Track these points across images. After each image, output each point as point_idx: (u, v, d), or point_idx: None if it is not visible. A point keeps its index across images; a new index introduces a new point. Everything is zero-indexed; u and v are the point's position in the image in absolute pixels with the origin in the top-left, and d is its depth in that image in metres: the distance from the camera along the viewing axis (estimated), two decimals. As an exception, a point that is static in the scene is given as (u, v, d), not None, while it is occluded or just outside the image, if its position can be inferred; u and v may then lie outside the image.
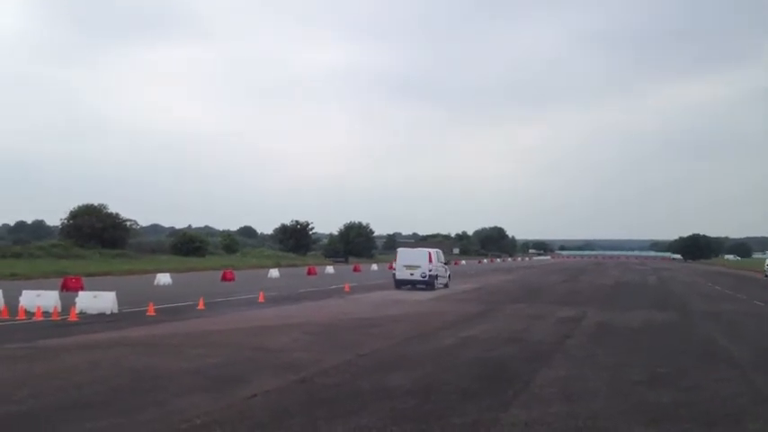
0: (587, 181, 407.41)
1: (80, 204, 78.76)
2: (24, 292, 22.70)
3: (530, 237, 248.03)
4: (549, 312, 25.09)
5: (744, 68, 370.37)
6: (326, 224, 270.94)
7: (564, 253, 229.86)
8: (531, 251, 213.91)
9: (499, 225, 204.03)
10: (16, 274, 40.03)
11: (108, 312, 21.94)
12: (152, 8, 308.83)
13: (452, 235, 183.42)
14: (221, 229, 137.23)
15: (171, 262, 63.47)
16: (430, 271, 36.29)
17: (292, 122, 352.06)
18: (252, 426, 8.50)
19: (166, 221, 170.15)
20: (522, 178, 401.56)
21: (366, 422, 8.71)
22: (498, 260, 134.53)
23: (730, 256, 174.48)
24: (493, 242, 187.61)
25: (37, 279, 38.35)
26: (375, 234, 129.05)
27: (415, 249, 40.81)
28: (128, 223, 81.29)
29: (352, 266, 72.65)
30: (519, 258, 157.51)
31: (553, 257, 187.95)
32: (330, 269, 63.88)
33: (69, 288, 29.55)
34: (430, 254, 37.02)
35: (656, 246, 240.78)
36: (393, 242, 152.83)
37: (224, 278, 43.39)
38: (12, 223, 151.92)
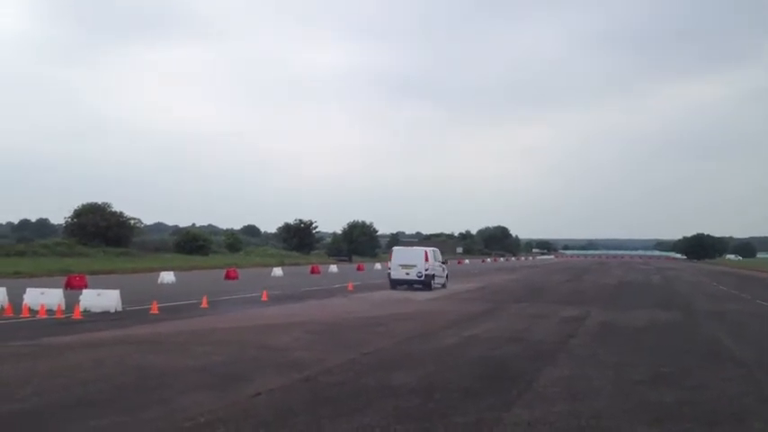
0: (591, 180, 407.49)
1: (84, 203, 78.92)
2: (28, 290, 22.75)
3: (533, 236, 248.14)
4: (552, 312, 25.07)
5: (747, 68, 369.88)
6: (330, 223, 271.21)
7: (567, 252, 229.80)
8: (534, 250, 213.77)
9: (503, 224, 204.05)
10: (20, 273, 40.11)
11: (112, 310, 21.98)
12: (157, 8, 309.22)
13: (456, 234, 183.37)
14: (225, 228, 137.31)
15: (175, 260, 63.50)
16: (426, 270, 35.22)
17: (296, 122, 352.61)
18: (256, 424, 8.51)
19: (170, 220, 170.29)
20: (525, 178, 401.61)
21: (370, 420, 8.72)
22: (502, 259, 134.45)
23: (731, 256, 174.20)
24: (496, 241, 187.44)
25: (41, 277, 38.46)
26: (378, 233, 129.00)
27: (411, 248, 40.07)
28: (132, 222, 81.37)
29: (355, 265, 72.65)
30: (522, 258, 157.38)
31: (557, 257, 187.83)
32: (333, 268, 63.86)
33: (73, 286, 29.59)
34: (426, 253, 36.00)
35: (661, 245, 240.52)
36: (396, 241, 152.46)
37: (227, 277, 43.45)
38: (16, 221, 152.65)
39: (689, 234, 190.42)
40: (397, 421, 8.70)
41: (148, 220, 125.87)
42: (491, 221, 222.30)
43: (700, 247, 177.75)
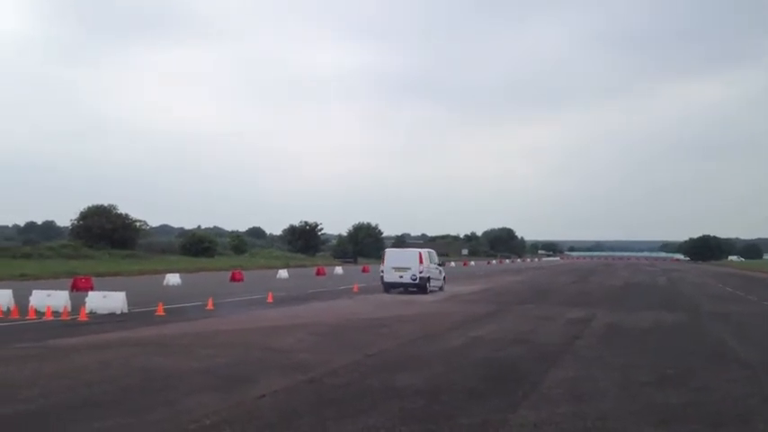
0: (597, 182, 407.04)
1: (90, 205, 79.31)
2: (34, 292, 22.81)
3: (539, 238, 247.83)
4: (558, 313, 25.03)
5: (751, 68, 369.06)
6: (335, 225, 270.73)
7: (573, 254, 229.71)
8: (540, 252, 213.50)
9: (508, 226, 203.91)
10: (26, 275, 40.24)
11: (118, 312, 22.03)
12: (160, 9, 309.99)
13: (461, 236, 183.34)
14: (230, 230, 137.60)
15: (180, 262, 63.68)
16: (421, 273, 33.80)
17: (300, 123, 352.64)
18: (261, 426, 8.52)
19: (176, 222, 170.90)
20: (531, 179, 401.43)
21: (374, 422, 8.72)
22: (507, 261, 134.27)
23: (734, 257, 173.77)
24: (502, 243, 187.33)
25: (47, 279, 38.55)
26: (384, 235, 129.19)
27: (405, 250, 39.04)
28: (137, 224, 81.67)
29: (360, 267, 72.67)
30: (528, 259, 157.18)
31: (563, 258, 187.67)
32: (339, 270, 63.91)
33: (79, 288, 29.68)
34: (420, 254, 34.61)
35: (666, 247, 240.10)
36: (402, 243, 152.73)
37: (233, 279, 43.51)
38: (22, 224, 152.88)
39: (695, 235, 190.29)
40: (402, 423, 8.70)
41: (154, 222, 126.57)
42: (496, 223, 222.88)
43: (706, 249, 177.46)
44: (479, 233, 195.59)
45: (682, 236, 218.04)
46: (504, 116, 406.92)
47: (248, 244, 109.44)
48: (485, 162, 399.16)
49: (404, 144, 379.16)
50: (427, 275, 34.39)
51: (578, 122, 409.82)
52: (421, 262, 34.06)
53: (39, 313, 21.00)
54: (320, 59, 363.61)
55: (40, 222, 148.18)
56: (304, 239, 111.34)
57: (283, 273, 51.11)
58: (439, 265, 37.69)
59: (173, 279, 39.20)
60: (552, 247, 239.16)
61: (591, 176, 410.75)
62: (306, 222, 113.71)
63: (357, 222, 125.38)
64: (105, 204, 79.59)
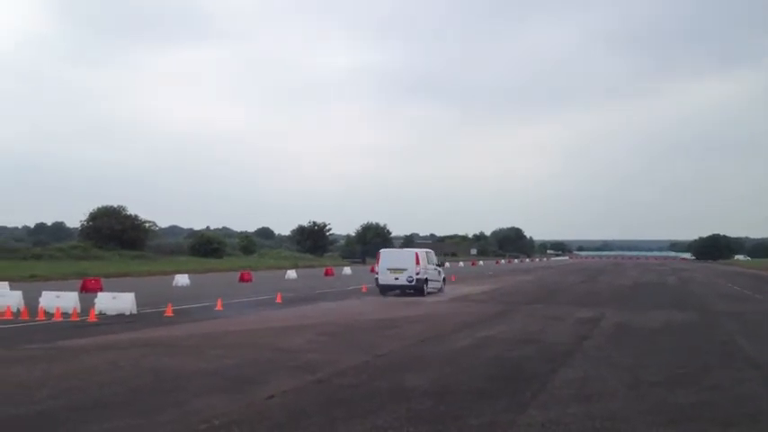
0: (606, 181, 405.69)
1: (99, 206, 79.67)
2: (44, 293, 22.91)
3: (548, 237, 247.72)
4: (567, 313, 24.98)
5: (763, 67, 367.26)
6: (344, 225, 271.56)
7: (582, 254, 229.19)
8: (549, 252, 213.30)
9: (517, 226, 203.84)
10: (36, 276, 40.43)
11: (127, 313, 22.10)
12: (174, 10, 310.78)
13: (470, 236, 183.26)
14: (239, 231, 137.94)
15: (189, 263, 63.85)
16: (418, 274, 32.32)
17: (309, 123, 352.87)
18: (270, 426, 8.53)
19: (185, 223, 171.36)
20: (540, 178, 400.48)
21: (383, 422, 8.72)
22: (516, 261, 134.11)
23: (740, 256, 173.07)
24: (510, 243, 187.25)
25: (56, 280, 38.73)
26: (392, 235, 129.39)
27: (401, 250, 37.63)
28: (147, 225, 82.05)
29: (369, 267, 72.63)
30: (537, 259, 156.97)
31: (571, 258, 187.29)
32: (347, 270, 63.96)
33: (89, 289, 29.78)
34: (417, 255, 33.14)
35: (675, 246, 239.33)
36: (410, 243, 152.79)
37: (242, 279, 43.61)
38: (32, 225, 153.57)
39: (704, 235, 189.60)
40: (411, 423, 8.70)
41: (163, 223, 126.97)
42: (505, 223, 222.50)
43: (715, 248, 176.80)
44: (488, 233, 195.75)
45: (691, 235, 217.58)
46: (512, 116, 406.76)
47: (257, 244, 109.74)
48: (493, 162, 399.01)
49: (412, 144, 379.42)
50: (425, 277, 33.03)
51: (587, 121, 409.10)
52: (418, 263, 32.72)
53: (48, 314, 21.09)
54: (327, 60, 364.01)
55: (49, 223, 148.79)
56: (312, 240, 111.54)
57: (292, 273, 51.19)
58: (438, 265, 36.45)
59: (182, 280, 39.32)
60: (561, 247, 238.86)
61: (600, 176, 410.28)
62: (314, 223, 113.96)
63: (365, 222, 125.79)
64: (115, 205, 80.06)
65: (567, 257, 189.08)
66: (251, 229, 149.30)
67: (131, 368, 12.48)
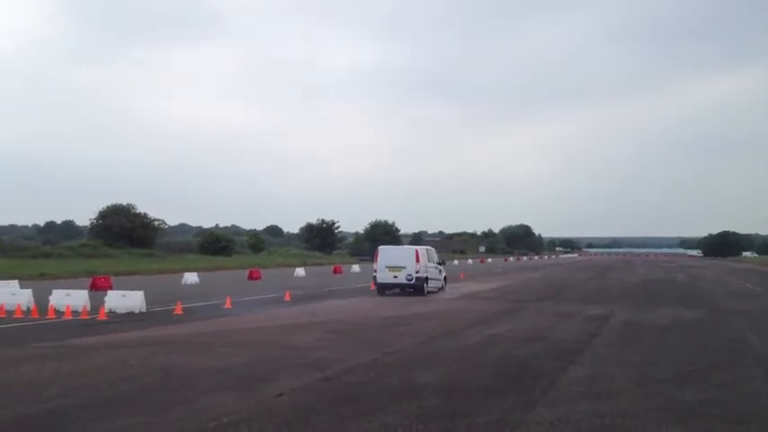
0: (615, 178, 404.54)
1: (109, 204, 79.86)
2: (54, 291, 23.00)
3: (556, 235, 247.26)
4: (575, 310, 24.94)
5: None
6: (352, 223, 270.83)
7: (591, 251, 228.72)
8: (557, 249, 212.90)
9: (525, 223, 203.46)
10: (46, 274, 40.59)
11: (136, 311, 22.18)
12: (185, 7, 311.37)
13: (478, 233, 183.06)
14: (248, 229, 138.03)
15: (198, 261, 64.00)
16: (417, 272, 30.97)
17: (317, 121, 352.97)
18: (279, 424, 8.56)
19: (194, 221, 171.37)
20: (548, 176, 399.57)
21: (392, 420, 8.74)
22: (525, 258, 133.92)
23: (748, 253, 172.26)
24: (519, 240, 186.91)
25: (66, 279, 38.88)
26: (401, 232, 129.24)
27: (400, 247, 36.21)
28: (156, 223, 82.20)
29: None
30: (546, 256, 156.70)
31: (580, 255, 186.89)
32: (356, 268, 63.92)
33: (98, 287, 29.89)
34: (417, 252, 31.80)
35: (685, 243, 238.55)
36: (419, 240, 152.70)
37: (250, 277, 43.69)
38: (41, 224, 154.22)
39: (714, 231, 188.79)
40: (420, 421, 8.71)
41: (172, 221, 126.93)
42: (513, 220, 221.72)
43: (724, 245, 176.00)
44: (497, 230, 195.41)
45: (700, 232, 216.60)
46: (520, 113, 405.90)
47: (266, 242, 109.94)
48: (501, 159, 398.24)
49: (421, 142, 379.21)
50: (424, 275, 31.68)
51: (595, 118, 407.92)
52: (418, 260, 31.39)
53: (58, 313, 21.18)
54: (333, 58, 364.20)
55: (59, 222, 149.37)
56: (321, 237, 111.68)
57: (300, 271, 51.24)
58: (439, 263, 35.01)
59: (191, 278, 39.41)
60: (570, 244, 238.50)
61: (609, 173, 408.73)
62: (323, 220, 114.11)
63: (374, 220, 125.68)
64: (124, 204, 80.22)
65: (576, 255, 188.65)
66: (260, 227, 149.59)
67: (141, 366, 12.53)
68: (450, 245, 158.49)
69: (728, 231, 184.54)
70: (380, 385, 11.04)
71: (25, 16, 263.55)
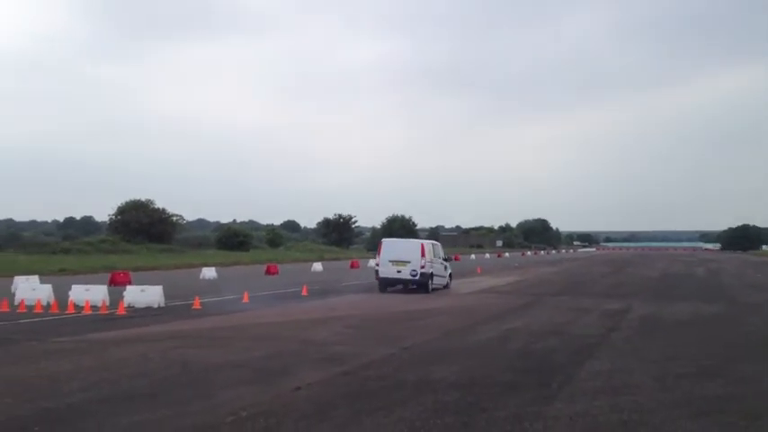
0: (632, 171, 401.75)
1: (127, 200, 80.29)
2: (74, 286, 23.16)
3: (574, 229, 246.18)
4: (593, 305, 24.86)
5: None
6: (369, 218, 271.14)
7: (609, 245, 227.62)
8: (575, 243, 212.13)
9: (543, 217, 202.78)
10: (65, 270, 40.88)
11: (155, 306, 22.30)
12: (198, 3, 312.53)
13: (495, 227, 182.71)
14: (265, 224, 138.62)
15: (216, 256, 64.24)
16: (422, 268, 29.49)
17: (335, 116, 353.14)
18: (297, 418, 8.59)
19: (212, 216, 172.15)
20: (566, 169, 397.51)
21: (409, 414, 8.75)
22: (542, 252, 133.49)
23: (766, 246, 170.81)
24: (536, 234, 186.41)
25: (85, 274, 39.17)
26: (418, 227, 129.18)
27: (405, 241, 34.38)
28: (174, 218, 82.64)
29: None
30: (563, 250, 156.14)
31: (598, 249, 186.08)
32: (373, 263, 63.91)
33: (117, 282, 30.06)
34: (423, 246, 30.29)
35: (705, 237, 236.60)
36: (436, 235, 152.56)
37: (268, 272, 43.83)
38: (61, 219, 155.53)
39: (733, 225, 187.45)
40: (437, 415, 8.72)
41: (190, 216, 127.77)
42: (531, 214, 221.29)
43: (744, 238, 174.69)
44: (514, 224, 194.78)
45: (720, 225, 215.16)
46: (537, 105, 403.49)
47: (283, 237, 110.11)
48: (519, 153, 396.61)
49: (437, 136, 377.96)
50: (430, 271, 30.20)
51: (613, 111, 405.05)
52: (423, 255, 29.84)
53: (78, 307, 21.32)
54: (350, 53, 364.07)
55: (78, 218, 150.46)
56: (338, 232, 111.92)
57: (318, 266, 51.34)
58: (445, 259, 33.71)
59: (209, 273, 39.57)
60: (587, 238, 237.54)
61: (627, 166, 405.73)
62: (340, 215, 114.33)
63: (391, 215, 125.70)
64: (142, 199, 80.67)
65: (593, 249, 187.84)
66: (277, 221, 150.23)
67: (160, 360, 12.61)
68: (468, 239, 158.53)
69: (748, 225, 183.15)
70: (398, 380, 11.05)
71: (35, 11, 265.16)
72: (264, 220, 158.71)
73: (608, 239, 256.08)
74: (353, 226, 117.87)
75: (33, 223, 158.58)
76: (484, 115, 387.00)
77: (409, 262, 29.66)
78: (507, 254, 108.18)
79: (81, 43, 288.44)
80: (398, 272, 29.74)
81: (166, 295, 23.31)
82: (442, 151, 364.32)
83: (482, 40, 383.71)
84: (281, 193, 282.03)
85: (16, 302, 22.00)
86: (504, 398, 9.82)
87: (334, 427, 8.26)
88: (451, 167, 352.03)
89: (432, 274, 30.47)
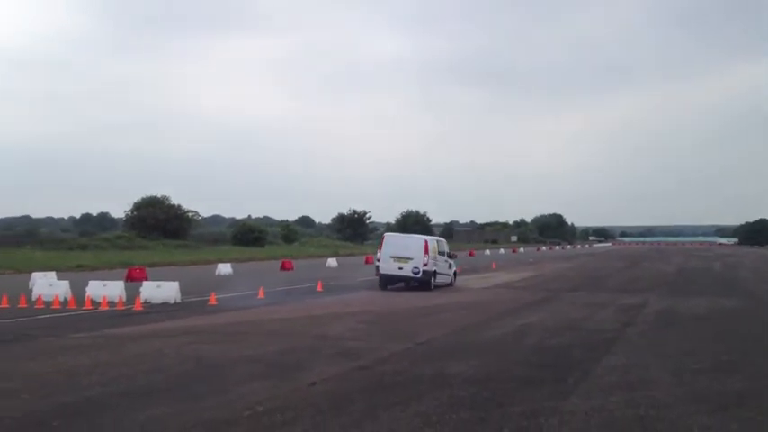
0: (648, 166, 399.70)
1: (143, 196, 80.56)
2: (91, 282, 23.32)
3: (590, 224, 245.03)
4: (609, 300, 24.76)
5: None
6: (384, 213, 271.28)
7: (625, 240, 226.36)
8: (591, 238, 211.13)
9: (558, 212, 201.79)
10: (82, 266, 41.11)
11: (171, 302, 22.39)
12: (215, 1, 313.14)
13: (510, 223, 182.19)
14: (280, 220, 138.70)
15: (231, 252, 64.36)
16: (425, 265, 28.27)
17: (350, 111, 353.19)
18: (313, 412, 8.61)
19: (227, 212, 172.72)
20: (581, 164, 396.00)
21: (425, 409, 8.76)
22: (558, 248, 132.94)
23: None
24: (551, 229, 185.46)
25: (102, 270, 39.34)
26: (432, 222, 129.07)
27: (408, 236, 33.42)
28: (189, 214, 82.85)
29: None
30: (579, 245, 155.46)
31: (614, 244, 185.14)
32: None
33: (134, 278, 30.22)
34: (426, 242, 29.16)
35: (721, 232, 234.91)
36: (451, 231, 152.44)
37: (283, 267, 43.87)
38: (78, 216, 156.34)
39: (750, 219, 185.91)
40: (452, 410, 8.72)
41: (206, 212, 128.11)
42: (546, 209, 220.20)
43: (761, 233, 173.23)
44: (529, 220, 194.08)
45: (737, 220, 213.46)
46: (552, 100, 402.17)
47: (298, 233, 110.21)
48: (534, 148, 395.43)
49: (453, 131, 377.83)
50: (433, 269, 28.95)
51: (628, 106, 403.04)
52: (426, 252, 28.65)
53: (95, 303, 21.45)
54: (368, 48, 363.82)
55: (95, 214, 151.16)
56: (352, 228, 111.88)
57: (332, 261, 51.37)
58: (449, 256, 32.23)
59: (224, 269, 39.68)
60: (603, 233, 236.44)
61: (642, 161, 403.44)
62: (354, 211, 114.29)
63: (405, 210, 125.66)
64: (158, 195, 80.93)
65: (609, 244, 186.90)
66: (292, 217, 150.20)
67: (176, 355, 12.67)
68: (483, 235, 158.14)
69: (766, 219, 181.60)
70: (414, 375, 11.05)
71: (43, 7, 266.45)
72: (279, 215, 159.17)
73: (624, 234, 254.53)
74: (368, 221, 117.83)
75: (50, 220, 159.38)
76: (501, 110, 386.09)
77: (412, 259, 28.56)
78: (522, 249, 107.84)
79: (94, 39, 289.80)
80: (400, 268, 28.69)
81: (182, 291, 23.40)
82: (458, 146, 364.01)
83: (495, 33, 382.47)
84: (295, 190, 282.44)
85: (34, 298, 22.18)
86: (520, 393, 9.81)
87: (351, 421, 8.26)
88: (467, 163, 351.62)
89: (435, 272, 29.33)
